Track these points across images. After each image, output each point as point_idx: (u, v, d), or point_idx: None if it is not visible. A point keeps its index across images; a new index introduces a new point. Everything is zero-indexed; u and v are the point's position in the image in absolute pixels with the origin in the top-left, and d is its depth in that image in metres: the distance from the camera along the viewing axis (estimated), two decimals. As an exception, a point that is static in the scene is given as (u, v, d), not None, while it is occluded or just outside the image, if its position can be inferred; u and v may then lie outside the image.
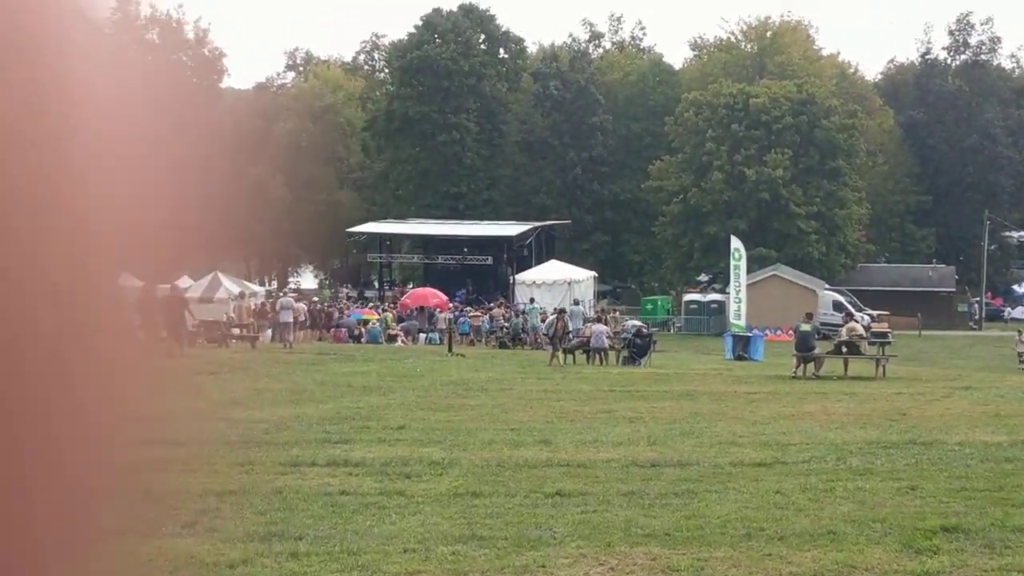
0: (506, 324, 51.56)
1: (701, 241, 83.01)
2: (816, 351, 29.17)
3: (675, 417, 18.54)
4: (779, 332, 57.22)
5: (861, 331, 30.49)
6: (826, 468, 12.72)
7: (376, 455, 13.65)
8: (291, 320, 41.96)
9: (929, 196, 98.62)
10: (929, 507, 10.44)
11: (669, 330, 76.33)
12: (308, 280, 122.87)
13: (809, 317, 30.18)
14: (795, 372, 28.50)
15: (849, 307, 72.97)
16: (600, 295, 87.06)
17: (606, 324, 39.98)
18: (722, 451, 14.07)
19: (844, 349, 29.71)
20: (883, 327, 70.21)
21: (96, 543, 0.81)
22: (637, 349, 36.07)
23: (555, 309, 41.18)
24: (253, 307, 43.43)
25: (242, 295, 44.22)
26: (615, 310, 59.28)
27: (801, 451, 14.04)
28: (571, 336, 37.75)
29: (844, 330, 30.53)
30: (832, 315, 70.32)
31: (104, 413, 0.81)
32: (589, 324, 38.87)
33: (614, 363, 35.88)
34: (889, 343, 61.91)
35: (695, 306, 75.10)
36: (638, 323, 41.26)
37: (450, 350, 38.54)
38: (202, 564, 8.13)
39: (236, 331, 40.00)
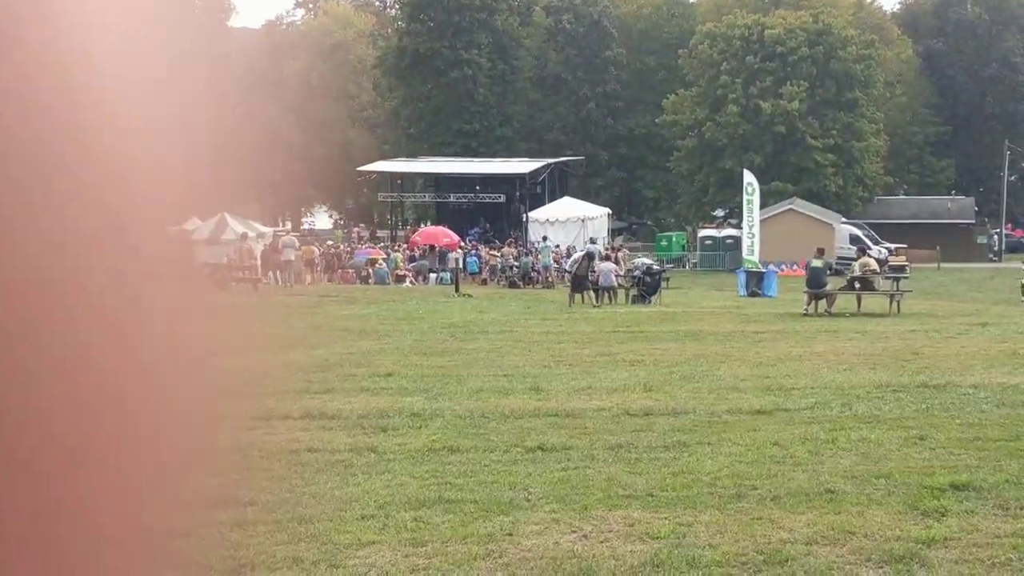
0: (516, 263, 50.75)
1: (716, 176, 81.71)
2: (828, 287, 28.29)
3: (677, 360, 17.77)
4: (795, 267, 56.27)
5: (875, 266, 29.58)
6: (830, 415, 11.95)
7: (355, 407, 12.93)
8: (292, 259, 41.25)
9: (948, 127, 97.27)
10: (938, 460, 9.66)
11: (684, 266, 75.50)
12: (323, 221, 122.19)
13: (821, 252, 29.27)
14: (806, 309, 27.66)
15: (866, 241, 72.10)
16: (615, 232, 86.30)
17: (616, 262, 39.16)
18: (721, 397, 13.30)
19: (857, 285, 28.86)
20: (901, 260, 69.57)
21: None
22: (646, 287, 35.23)
23: (583, 249, 40.09)
24: (254, 248, 42.52)
25: (244, 236, 43.44)
26: (622, 247, 58.45)
27: (805, 396, 13.26)
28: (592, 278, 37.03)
29: (857, 265, 29.62)
30: (849, 249, 69.23)
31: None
32: (597, 262, 38.03)
33: (623, 302, 35.14)
34: (906, 277, 61.19)
35: (710, 242, 74.13)
36: (648, 260, 40.35)
37: (457, 290, 37.83)
38: (136, 532, 7.37)
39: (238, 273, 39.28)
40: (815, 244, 59.39)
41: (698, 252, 76.08)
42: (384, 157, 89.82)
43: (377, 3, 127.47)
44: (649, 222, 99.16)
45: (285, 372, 16.59)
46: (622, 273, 36.95)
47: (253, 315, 21.48)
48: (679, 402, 12.88)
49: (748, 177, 46.38)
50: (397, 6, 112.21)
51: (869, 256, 30.48)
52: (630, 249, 77.85)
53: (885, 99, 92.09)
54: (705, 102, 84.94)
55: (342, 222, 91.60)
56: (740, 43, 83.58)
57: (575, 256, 38.43)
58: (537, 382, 14.90)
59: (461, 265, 55.22)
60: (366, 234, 74.64)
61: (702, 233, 76.82)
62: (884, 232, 76.88)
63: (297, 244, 45.43)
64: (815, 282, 27.96)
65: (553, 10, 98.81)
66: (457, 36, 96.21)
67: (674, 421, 11.67)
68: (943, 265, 67.84)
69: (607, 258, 38.42)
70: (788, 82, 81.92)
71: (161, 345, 0.84)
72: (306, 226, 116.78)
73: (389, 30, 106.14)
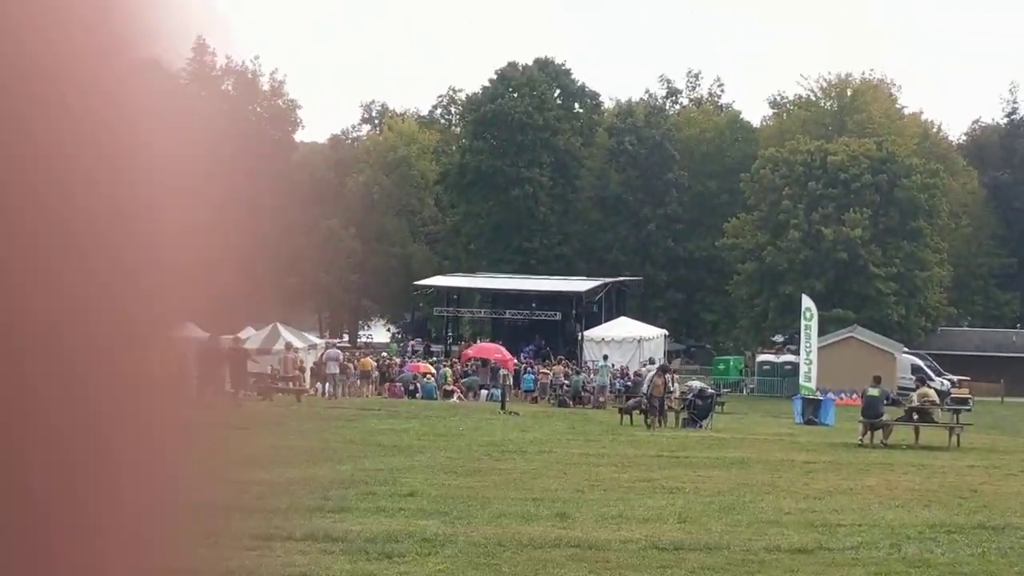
0: (567, 382, 49.85)
1: (776, 301, 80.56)
2: (884, 417, 27.16)
3: (719, 489, 16.78)
4: (854, 396, 54.95)
5: (934, 396, 28.41)
6: (876, 557, 10.95)
7: (365, 528, 12.06)
8: (336, 371, 40.66)
9: (1014, 259, 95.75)
10: (994, 613, 8.67)
11: (742, 391, 74.27)
12: (381, 334, 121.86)
13: (877, 381, 28.18)
14: (861, 440, 26.52)
15: (927, 370, 70.59)
16: (673, 354, 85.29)
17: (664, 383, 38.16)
18: (760, 532, 12.33)
19: (915, 416, 27.73)
20: (963, 393, 68.07)
21: None
22: (697, 411, 34.22)
23: (651, 367, 39.04)
24: (300, 360, 41.90)
25: (288, 346, 42.96)
26: (672, 370, 57.45)
27: (851, 534, 12.25)
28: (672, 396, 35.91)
29: (915, 395, 28.50)
30: (909, 379, 67.91)
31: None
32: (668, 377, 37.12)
33: (673, 424, 34.14)
34: (969, 410, 59.70)
35: (768, 367, 72.95)
36: (700, 383, 39.37)
37: (503, 408, 36.96)
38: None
39: (282, 384, 38.66)
40: (876, 372, 58.50)
41: (756, 377, 74.89)
42: (443, 272, 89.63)
43: (443, 121, 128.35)
44: (708, 345, 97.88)
45: (303, 488, 15.79)
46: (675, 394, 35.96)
47: (287, 427, 20.86)
48: (714, 536, 11.92)
49: (807, 302, 45.43)
50: (461, 124, 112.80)
51: (929, 387, 29.24)
52: (687, 372, 76.80)
53: (950, 229, 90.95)
54: (766, 227, 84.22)
55: (399, 335, 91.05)
56: (803, 169, 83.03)
57: (649, 375, 36.11)
58: (566, 507, 14.00)
59: (512, 382, 54.50)
60: (420, 348, 73.84)
61: (760, 358, 75.66)
62: (947, 363, 75.40)
63: (340, 357, 44.80)
64: (871, 411, 26.85)
65: (616, 131, 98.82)
66: (519, 155, 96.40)
67: (705, 558, 10.72)
68: (1007, 399, 66.18)
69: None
70: (851, 209, 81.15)
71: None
72: (363, 338, 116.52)
73: (452, 147, 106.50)
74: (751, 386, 74.68)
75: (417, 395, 47.47)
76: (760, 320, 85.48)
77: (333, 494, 15.08)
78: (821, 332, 73.98)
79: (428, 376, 50.01)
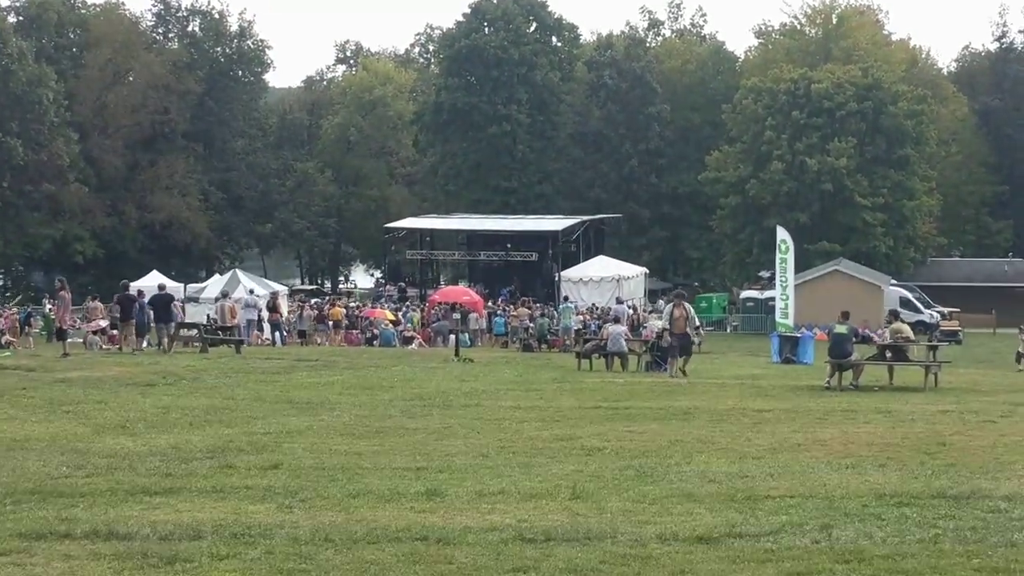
0: (531, 325, 47.54)
1: (761, 235, 78.03)
2: (854, 356, 24.77)
3: (646, 448, 14.49)
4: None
5: (908, 332, 26.00)
6: (796, 547, 8.58)
7: (173, 518, 9.75)
8: (254, 318, 38.59)
9: (1006, 186, 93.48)
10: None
11: (725, 329, 72.14)
12: (364, 279, 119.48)
13: (845, 316, 25.75)
14: (828, 382, 24.16)
15: (916, 302, 68.48)
16: (658, 292, 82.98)
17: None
18: (664, 511, 9.98)
19: (888, 354, 25.37)
20: (953, 325, 66.07)
21: None
22: (662, 353, 31.88)
23: (674, 293, 32.90)
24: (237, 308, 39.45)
25: (225, 294, 40.52)
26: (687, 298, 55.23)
27: (776, 511, 9.90)
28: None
29: (888, 331, 26.14)
30: (899, 312, 65.72)
31: None
32: (606, 324, 34.72)
33: (635, 368, 31.88)
34: (959, 342, 57.50)
35: (752, 304, 70.75)
36: (661, 323, 36.98)
37: (456, 354, 34.61)
38: None
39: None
40: (863, 307, 56.16)
41: (740, 314, 72.72)
42: (423, 214, 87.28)
43: (421, 59, 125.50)
44: (696, 283, 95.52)
45: (157, 459, 13.50)
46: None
47: (201, 383, 18.38)
48: (603, 519, 9.58)
49: (781, 234, 42.99)
50: (436, 61, 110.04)
51: (902, 321, 26.83)
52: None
53: (939, 157, 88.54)
54: (749, 159, 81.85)
55: (382, 280, 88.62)
56: (786, 98, 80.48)
57: (666, 308, 31.24)
58: (447, 480, 11.72)
59: (485, 326, 52.34)
60: (394, 293, 71.46)
61: (744, 294, 73.50)
62: (937, 295, 73.30)
63: (258, 303, 42.47)
64: (838, 351, 24.44)
65: (595, 65, 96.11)
66: (496, 91, 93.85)
67: (577, 554, 8.38)
68: (999, 331, 64.01)
69: (616, 320, 35.05)
70: (836, 138, 78.76)
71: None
72: (346, 284, 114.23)
73: (430, 86, 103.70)
74: (735, 324, 72.52)
75: (375, 343, 45.26)
76: (745, 256, 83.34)
77: (181, 468, 12.80)
78: (807, 266, 71.97)
79: (387, 323, 47.67)
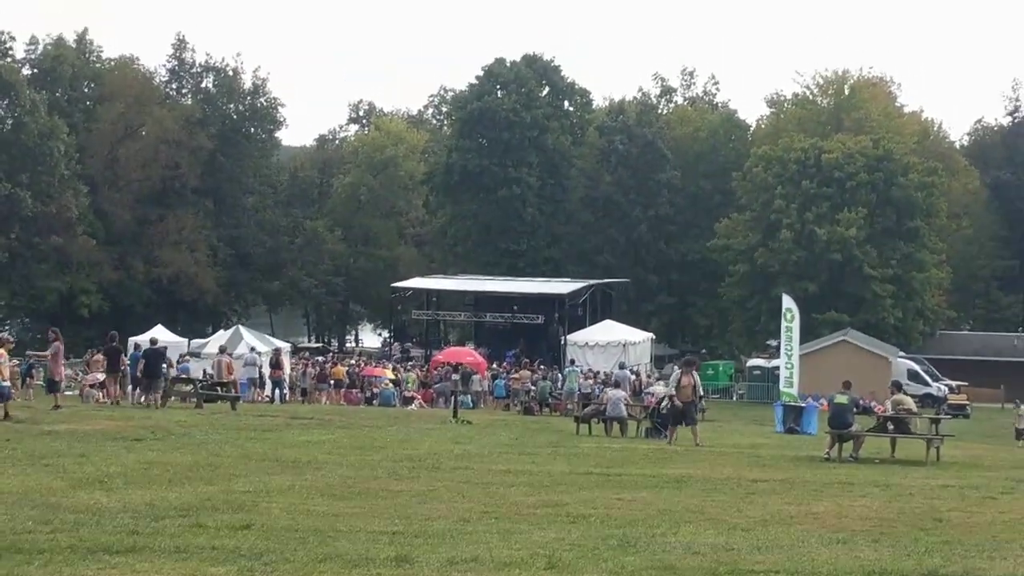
0: (533, 388, 47.09)
1: (768, 304, 77.58)
2: (854, 427, 24.32)
3: (633, 517, 14.04)
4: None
5: (910, 404, 25.53)
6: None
7: (126, 580, 9.32)
8: (255, 376, 38.24)
9: (1017, 261, 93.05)
10: None
11: (731, 397, 71.63)
12: (371, 339, 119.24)
13: (847, 387, 25.33)
14: (827, 453, 23.70)
15: (926, 376, 67.96)
16: (665, 359, 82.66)
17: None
18: (641, 585, 9.54)
19: (890, 426, 24.92)
20: (961, 399, 65.47)
21: None
22: (662, 419, 31.44)
23: (684, 360, 32.24)
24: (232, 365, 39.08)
25: (222, 350, 40.20)
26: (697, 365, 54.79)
27: (759, 590, 9.46)
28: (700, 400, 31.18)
29: (890, 403, 25.66)
30: (907, 385, 65.23)
31: None
32: (606, 389, 34.29)
33: (634, 434, 31.44)
34: (966, 416, 56.89)
35: (759, 372, 70.27)
36: (664, 388, 36.53)
37: (455, 416, 34.19)
38: None
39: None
40: (870, 378, 55.63)
41: (746, 383, 72.24)
42: (431, 274, 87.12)
43: (434, 121, 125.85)
44: (703, 350, 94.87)
45: (128, 515, 13.09)
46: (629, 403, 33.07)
47: (188, 439, 17.97)
48: (574, 592, 9.14)
49: (787, 302, 42.62)
50: (448, 123, 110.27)
51: (905, 393, 26.37)
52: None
53: (950, 230, 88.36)
54: (758, 227, 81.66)
55: (390, 340, 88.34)
56: (796, 167, 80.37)
57: (675, 374, 29.84)
58: (417, 547, 11.25)
59: (488, 388, 51.95)
60: (397, 353, 71.14)
61: (751, 363, 73.04)
62: (946, 368, 72.84)
63: (257, 361, 42.24)
64: (838, 421, 24.00)
65: (606, 130, 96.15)
66: (507, 154, 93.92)
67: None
68: (1007, 405, 63.32)
69: (617, 385, 34.64)
70: (846, 208, 78.60)
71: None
72: (353, 343, 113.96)
73: (441, 147, 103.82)
74: (741, 392, 72.03)
75: (375, 402, 44.88)
76: (753, 324, 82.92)
77: (150, 526, 12.35)
78: (814, 335, 71.55)
79: (387, 383, 47.28)
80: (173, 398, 35.21)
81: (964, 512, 15.03)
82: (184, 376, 37.15)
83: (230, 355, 40.89)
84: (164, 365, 37.70)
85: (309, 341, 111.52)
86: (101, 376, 40.60)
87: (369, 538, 11.89)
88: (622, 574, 9.98)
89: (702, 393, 29.91)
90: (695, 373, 28.86)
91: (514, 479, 18.16)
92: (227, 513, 13.62)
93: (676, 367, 36.12)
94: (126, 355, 37.81)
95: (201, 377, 38.42)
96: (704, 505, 15.27)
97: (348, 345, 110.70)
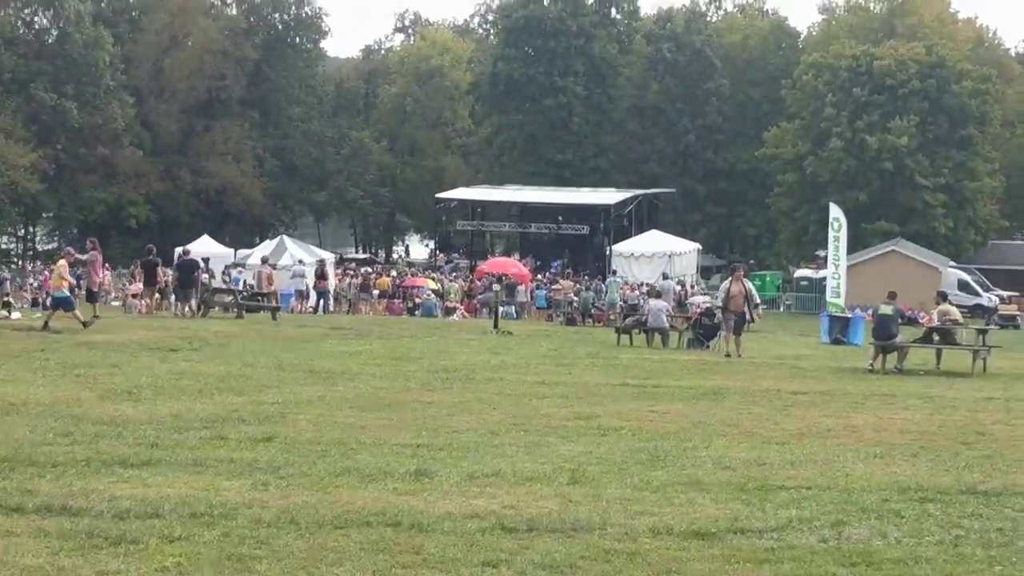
0: (575, 299, 46.72)
1: (818, 214, 76.46)
2: (899, 339, 23.83)
3: (666, 429, 13.72)
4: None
5: (956, 315, 24.93)
6: (803, 547, 7.79)
7: (137, 493, 9.12)
8: (303, 288, 38.03)
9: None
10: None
11: (779, 308, 71.02)
12: (419, 250, 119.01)
13: (892, 297, 24.75)
14: (871, 364, 23.23)
15: (976, 287, 67.14)
16: (712, 269, 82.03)
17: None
18: (664, 500, 9.21)
19: (935, 337, 24.40)
20: (1013, 309, 64.58)
21: None
22: (704, 330, 31.06)
23: (731, 268, 30.99)
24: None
25: (264, 260, 40.00)
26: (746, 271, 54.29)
27: (787, 504, 9.10)
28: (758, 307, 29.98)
29: (935, 313, 25.09)
30: (957, 295, 64.48)
31: None
32: (648, 299, 33.84)
33: (676, 345, 31.06)
34: (1016, 326, 56.11)
35: (806, 283, 69.55)
36: (706, 300, 36.09)
37: (496, 326, 33.91)
38: None
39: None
40: (920, 288, 54.85)
41: (794, 293, 71.57)
42: (477, 185, 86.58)
43: (480, 30, 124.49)
44: (752, 261, 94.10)
45: (150, 426, 12.90)
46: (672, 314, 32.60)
47: (225, 349, 17.82)
48: (594, 509, 8.81)
49: (835, 211, 41.86)
50: (494, 32, 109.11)
51: (950, 303, 25.78)
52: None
53: (1004, 139, 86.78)
54: (808, 135, 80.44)
55: (436, 251, 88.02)
56: (847, 74, 78.92)
57: (724, 283, 28.78)
58: (440, 461, 10.99)
59: (530, 298, 51.68)
60: (443, 264, 70.89)
61: (798, 273, 72.31)
62: (998, 278, 71.81)
63: (304, 272, 42.18)
64: (883, 332, 23.51)
65: (654, 38, 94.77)
66: (553, 63, 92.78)
67: (559, 547, 7.65)
68: (1058, 316, 62.56)
69: (659, 296, 34.19)
70: (897, 116, 77.16)
71: None
72: (397, 254, 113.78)
73: (487, 56, 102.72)
74: (788, 303, 71.40)
75: (416, 312, 44.69)
76: (801, 234, 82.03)
77: (171, 438, 12.15)
78: (864, 246, 70.73)
79: (429, 293, 47.06)
80: (216, 308, 35.09)
81: (1008, 425, 14.62)
82: (225, 286, 36.99)
83: (272, 266, 40.71)
84: (205, 275, 37.67)
85: (356, 252, 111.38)
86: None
87: (392, 451, 11.64)
88: (646, 489, 9.67)
89: (757, 301, 28.62)
90: (746, 281, 27.70)
91: (548, 391, 17.87)
92: (252, 425, 13.43)
93: (723, 276, 35.45)
94: (168, 267, 37.78)
95: (242, 287, 38.26)
96: (740, 418, 14.92)
97: (396, 256, 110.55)
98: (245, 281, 40.07)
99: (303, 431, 12.99)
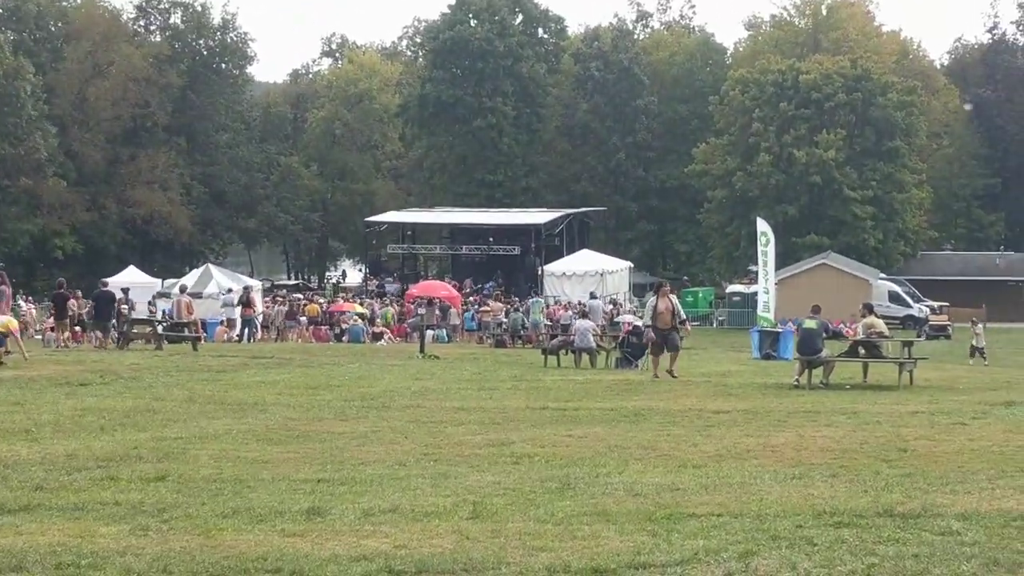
0: (505, 320, 46.32)
1: (748, 228, 76.38)
2: (824, 353, 23.55)
3: (581, 454, 13.27)
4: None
5: (882, 328, 24.67)
6: (704, 582, 7.35)
7: (6, 543, 8.50)
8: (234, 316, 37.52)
9: (998, 179, 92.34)
10: None
11: (711, 324, 70.96)
12: (354, 275, 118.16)
13: (816, 310, 24.55)
14: (797, 380, 22.93)
15: (905, 297, 67.49)
16: (647, 287, 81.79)
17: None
18: (567, 533, 8.73)
19: (861, 351, 24.14)
20: (943, 319, 64.84)
21: None
22: (633, 349, 30.67)
23: (656, 283, 30.35)
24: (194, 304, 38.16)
25: (182, 289, 39.26)
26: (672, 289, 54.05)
27: (695, 535, 8.63)
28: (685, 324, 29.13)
29: (861, 326, 24.84)
30: (888, 307, 64.74)
31: None
32: (574, 319, 33.47)
33: (604, 365, 30.67)
34: (948, 336, 56.29)
35: (738, 298, 69.52)
36: (634, 318, 35.76)
37: (422, 351, 33.38)
38: None
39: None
40: (850, 301, 54.88)
41: (726, 309, 71.57)
42: (409, 208, 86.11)
43: (408, 52, 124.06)
44: (684, 277, 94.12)
45: (37, 469, 12.27)
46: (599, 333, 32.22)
47: (137, 381, 17.10)
48: (491, 546, 8.30)
49: (762, 226, 41.81)
50: (421, 54, 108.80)
51: (876, 316, 25.53)
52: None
53: (931, 150, 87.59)
54: (736, 151, 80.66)
55: (367, 275, 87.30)
56: (773, 89, 79.31)
57: (650, 301, 27.91)
58: (338, 496, 10.47)
59: (461, 321, 51.27)
60: (373, 288, 70.24)
61: (729, 289, 72.39)
62: (928, 289, 72.23)
63: (234, 301, 41.53)
64: (807, 347, 23.26)
65: (582, 57, 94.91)
66: (481, 84, 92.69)
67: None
68: (989, 325, 62.75)
69: (585, 315, 33.75)
70: (824, 130, 77.67)
71: None
72: (333, 279, 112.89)
73: (415, 78, 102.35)
74: (721, 318, 71.38)
75: (344, 338, 44.08)
76: (733, 249, 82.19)
77: (59, 479, 11.55)
78: (795, 259, 70.96)
79: (355, 319, 46.48)
80: (140, 340, 34.38)
81: (931, 441, 14.27)
82: (143, 317, 36.23)
83: (198, 294, 40.04)
84: (125, 306, 36.95)
85: (289, 278, 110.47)
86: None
87: (290, 487, 11.10)
88: (550, 522, 9.18)
89: (684, 317, 28.16)
90: (672, 297, 26.97)
91: (465, 416, 17.40)
92: (150, 463, 12.84)
93: (651, 293, 35.03)
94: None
95: (161, 317, 37.48)
96: (658, 440, 14.50)
97: (328, 281, 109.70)
98: (165, 311, 39.30)
99: (201, 468, 12.42)
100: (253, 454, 13.58)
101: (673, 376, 24.80)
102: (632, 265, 70.98)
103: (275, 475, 11.91)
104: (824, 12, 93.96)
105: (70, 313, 34.18)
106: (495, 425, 16.31)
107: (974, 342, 41.86)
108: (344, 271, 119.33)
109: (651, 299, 27.37)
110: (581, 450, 13.69)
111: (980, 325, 44.00)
